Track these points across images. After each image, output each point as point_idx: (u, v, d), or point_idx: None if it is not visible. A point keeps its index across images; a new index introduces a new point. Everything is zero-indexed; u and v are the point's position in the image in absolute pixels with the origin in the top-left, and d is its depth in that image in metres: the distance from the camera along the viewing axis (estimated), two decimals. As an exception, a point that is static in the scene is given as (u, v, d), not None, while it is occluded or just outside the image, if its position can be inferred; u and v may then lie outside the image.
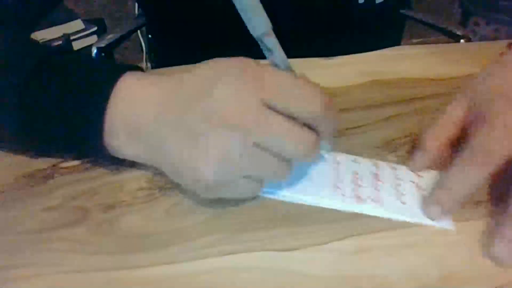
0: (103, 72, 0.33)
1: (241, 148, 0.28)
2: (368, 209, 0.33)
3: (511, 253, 0.29)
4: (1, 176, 0.36)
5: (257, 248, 0.30)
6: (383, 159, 0.38)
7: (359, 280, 0.28)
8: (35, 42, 0.39)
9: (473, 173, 0.31)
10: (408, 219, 0.32)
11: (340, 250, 0.30)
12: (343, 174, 0.36)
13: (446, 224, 0.32)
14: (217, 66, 0.31)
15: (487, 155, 0.31)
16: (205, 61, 0.31)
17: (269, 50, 0.31)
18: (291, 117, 0.29)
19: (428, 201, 0.33)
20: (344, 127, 0.42)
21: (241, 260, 0.29)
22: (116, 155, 0.34)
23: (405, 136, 0.41)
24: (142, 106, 0.31)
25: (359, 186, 0.35)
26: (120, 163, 0.35)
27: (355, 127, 0.42)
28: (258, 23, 0.30)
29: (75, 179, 0.35)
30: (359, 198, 0.34)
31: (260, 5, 0.29)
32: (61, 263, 0.29)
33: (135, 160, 0.34)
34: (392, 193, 0.34)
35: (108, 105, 0.31)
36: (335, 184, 0.35)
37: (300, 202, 0.34)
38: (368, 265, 0.29)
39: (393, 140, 0.41)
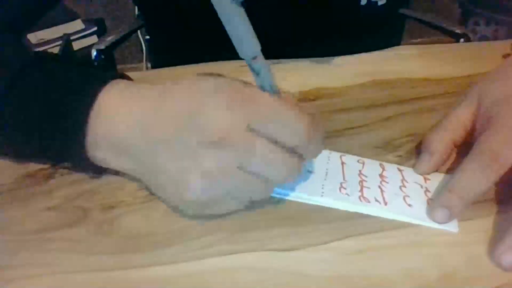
0: (85, 83, 0.33)
1: (225, 168, 0.28)
2: (373, 210, 0.33)
3: None
4: (1, 176, 0.36)
5: (257, 248, 0.30)
6: (383, 159, 0.38)
7: (359, 280, 0.28)
8: (19, 47, 0.38)
9: (482, 177, 0.31)
10: (413, 221, 0.32)
11: (340, 250, 0.30)
12: (348, 174, 0.36)
13: (450, 226, 0.32)
14: (205, 84, 0.30)
15: (496, 158, 0.31)
16: (192, 77, 0.31)
17: (257, 73, 0.30)
18: (274, 141, 0.29)
19: (435, 205, 0.33)
20: (344, 127, 0.42)
21: (241, 260, 0.29)
22: (104, 166, 0.33)
23: (405, 136, 0.41)
24: (125, 120, 0.31)
25: (365, 186, 0.35)
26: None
27: (355, 127, 0.42)
28: (247, 46, 0.29)
29: (75, 179, 0.35)
30: (364, 199, 0.34)
31: (250, 27, 0.28)
32: (61, 263, 0.29)
33: (122, 172, 0.34)
34: (397, 195, 0.34)
35: (90, 118, 0.31)
36: (340, 184, 0.35)
37: (304, 201, 0.34)
38: (368, 265, 0.29)
39: (393, 140, 0.41)
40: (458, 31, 0.87)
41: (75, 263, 0.29)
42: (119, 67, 1.71)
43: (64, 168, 0.36)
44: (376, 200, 0.33)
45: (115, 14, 1.83)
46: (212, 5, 0.27)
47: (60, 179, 0.36)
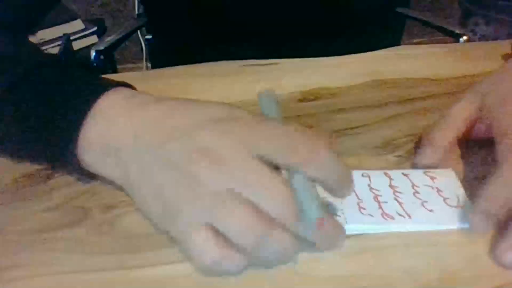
0: (87, 86, 0.32)
1: (217, 190, 0.26)
2: (400, 226, 0.32)
3: None
4: (1, 176, 0.36)
5: (257, 248, 0.30)
6: (383, 159, 0.38)
7: (359, 280, 0.28)
8: (27, 48, 0.38)
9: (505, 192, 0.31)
10: (440, 227, 0.32)
11: (340, 250, 0.30)
12: (360, 192, 0.34)
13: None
14: (210, 109, 0.30)
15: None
16: (209, 102, 0.30)
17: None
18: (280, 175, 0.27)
19: (475, 215, 0.31)
20: (344, 127, 0.42)
21: (241, 260, 0.29)
22: (93, 172, 0.32)
23: (405, 136, 0.41)
24: (123, 127, 0.30)
25: (382, 202, 0.33)
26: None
27: (355, 127, 0.42)
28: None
29: (75, 179, 0.35)
30: (387, 215, 0.32)
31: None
32: (61, 263, 0.29)
33: (108, 178, 0.32)
34: (415, 203, 0.33)
35: (86, 120, 0.30)
36: (358, 205, 0.33)
37: None
38: (368, 265, 0.29)
39: (393, 140, 0.41)
40: (458, 31, 0.87)
41: (75, 263, 0.29)
42: (119, 67, 1.72)
43: (57, 170, 0.36)
44: (400, 215, 0.32)
45: (115, 14, 1.83)
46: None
47: (60, 179, 0.36)
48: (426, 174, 0.36)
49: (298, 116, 0.44)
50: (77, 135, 0.31)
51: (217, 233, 0.26)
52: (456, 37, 0.87)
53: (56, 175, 0.36)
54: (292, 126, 0.29)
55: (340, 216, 0.32)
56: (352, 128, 0.42)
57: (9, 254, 0.30)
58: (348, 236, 0.31)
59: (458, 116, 0.38)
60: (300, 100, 0.46)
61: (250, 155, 0.27)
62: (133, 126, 0.30)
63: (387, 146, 0.40)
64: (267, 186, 0.27)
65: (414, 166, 0.37)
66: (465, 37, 0.84)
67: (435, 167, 0.37)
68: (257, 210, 0.26)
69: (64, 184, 0.35)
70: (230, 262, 0.27)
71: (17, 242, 0.31)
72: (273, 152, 0.28)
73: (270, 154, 0.27)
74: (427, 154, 0.37)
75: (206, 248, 0.26)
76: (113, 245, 0.30)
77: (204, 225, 0.26)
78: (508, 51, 0.54)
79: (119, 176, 0.31)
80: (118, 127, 0.30)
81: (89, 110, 0.31)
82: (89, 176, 0.33)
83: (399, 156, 0.39)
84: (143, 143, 0.29)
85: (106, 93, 0.31)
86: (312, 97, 0.47)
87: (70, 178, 0.36)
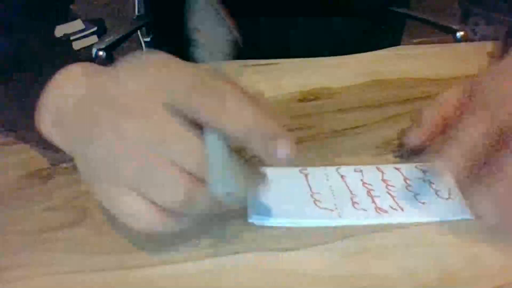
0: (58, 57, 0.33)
1: (131, 149, 0.26)
2: (392, 219, 0.32)
3: (498, 212, 0.28)
4: (1, 176, 0.36)
5: (257, 248, 0.30)
6: (383, 159, 0.38)
7: (359, 280, 0.28)
8: (28, 48, 0.38)
9: (478, 127, 0.31)
10: (432, 219, 0.32)
11: (340, 250, 0.30)
12: (353, 187, 0.35)
13: (465, 215, 0.32)
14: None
15: (491, 114, 0.31)
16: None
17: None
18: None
19: (437, 157, 0.31)
20: (344, 127, 0.42)
21: (241, 260, 0.29)
22: (49, 140, 0.32)
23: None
24: (70, 92, 0.30)
25: (374, 196, 0.34)
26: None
27: (355, 127, 0.42)
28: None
29: (75, 179, 0.35)
30: (381, 210, 0.33)
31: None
32: (61, 263, 0.29)
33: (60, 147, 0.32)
34: (407, 196, 0.34)
35: (48, 86, 0.31)
36: (351, 200, 0.34)
37: (324, 225, 0.32)
38: (368, 265, 0.29)
39: (393, 140, 0.41)
40: (457, 30, 0.87)
41: (75, 263, 0.29)
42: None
43: (66, 168, 0.36)
44: (393, 209, 0.33)
45: (115, 14, 1.83)
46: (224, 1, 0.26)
47: (60, 179, 0.36)
48: (417, 168, 0.37)
49: (298, 116, 0.44)
50: (37, 99, 0.31)
51: (145, 196, 0.26)
52: (456, 36, 0.87)
53: (56, 175, 0.36)
54: (220, 82, 0.26)
55: (332, 211, 0.33)
56: (352, 128, 0.42)
57: (9, 254, 0.30)
58: (348, 236, 0.31)
59: (447, 101, 0.38)
60: (300, 100, 0.46)
61: (163, 107, 0.26)
62: (76, 91, 0.29)
63: (387, 146, 0.40)
64: (178, 142, 0.25)
65: (402, 147, 0.38)
66: (461, 33, 0.84)
67: (423, 149, 0.37)
68: (177, 169, 0.25)
69: (64, 184, 0.35)
70: (162, 225, 0.27)
71: (17, 242, 0.31)
72: (189, 105, 0.26)
73: (185, 105, 0.26)
74: (415, 134, 0.37)
75: (136, 214, 0.26)
76: (113, 245, 0.30)
77: (132, 189, 0.26)
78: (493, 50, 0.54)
79: (63, 141, 0.31)
80: (65, 93, 0.30)
81: (55, 75, 0.31)
82: (52, 148, 0.32)
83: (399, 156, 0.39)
84: (81, 107, 0.28)
85: (72, 65, 0.31)
86: (312, 97, 0.47)
87: (70, 178, 0.36)
